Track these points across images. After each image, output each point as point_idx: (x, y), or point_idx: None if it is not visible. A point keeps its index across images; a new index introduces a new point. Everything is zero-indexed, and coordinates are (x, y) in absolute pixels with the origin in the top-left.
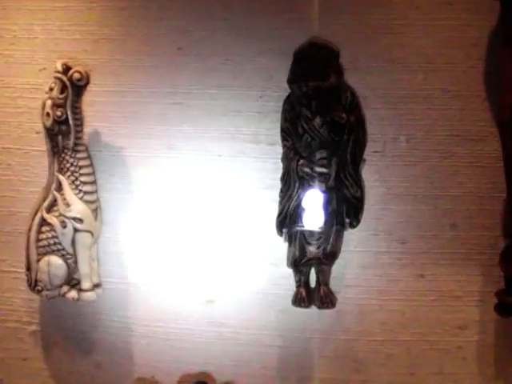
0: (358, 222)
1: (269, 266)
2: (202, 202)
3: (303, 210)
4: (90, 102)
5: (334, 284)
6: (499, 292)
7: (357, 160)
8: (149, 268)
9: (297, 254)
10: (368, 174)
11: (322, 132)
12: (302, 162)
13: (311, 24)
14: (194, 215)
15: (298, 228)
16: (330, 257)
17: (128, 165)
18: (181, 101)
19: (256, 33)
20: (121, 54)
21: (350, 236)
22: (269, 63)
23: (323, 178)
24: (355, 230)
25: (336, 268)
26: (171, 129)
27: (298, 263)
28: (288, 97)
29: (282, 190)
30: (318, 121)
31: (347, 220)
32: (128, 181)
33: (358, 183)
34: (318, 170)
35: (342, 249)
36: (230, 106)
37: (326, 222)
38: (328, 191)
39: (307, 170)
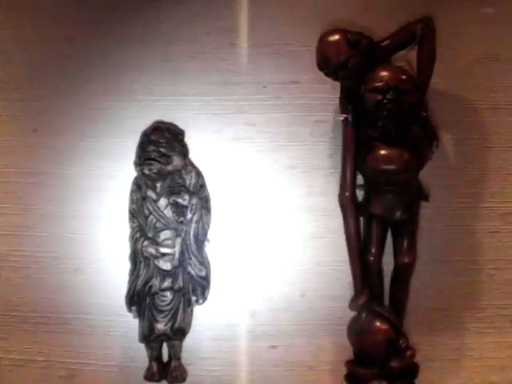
0: (205, 299)
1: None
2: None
3: (151, 287)
4: None
5: (188, 356)
6: (348, 362)
7: (200, 240)
8: None
9: (146, 330)
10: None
11: (166, 213)
12: (146, 242)
13: (157, 106)
14: None
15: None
16: (178, 333)
17: None
18: (37, 180)
19: (109, 114)
20: None
21: (203, 309)
22: (120, 143)
23: (167, 257)
24: (208, 303)
25: (190, 340)
26: (28, 207)
27: (148, 339)
28: (135, 178)
29: (130, 269)
30: (162, 203)
31: (193, 298)
32: None
33: (202, 262)
34: (162, 250)
35: (196, 322)
36: (84, 185)
37: (172, 300)
38: (173, 270)
39: (151, 250)
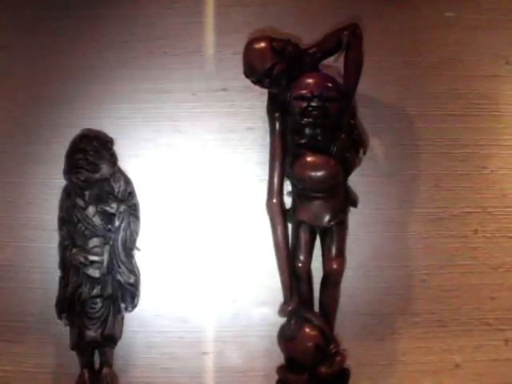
0: (134, 306)
1: None
2: None
3: (80, 295)
4: None
5: (121, 363)
6: (279, 368)
7: (128, 247)
8: None
9: (76, 337)
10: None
11: (94, 221)
12: (74, 250)
13: (87, 115)
14: None
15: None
16: (108, 340)
17: None
18: None
19: (38, 121)
20: None
21: (135, 316)
22: (50, 150)
23: (96, 265)
24: (141, 310)
25: (123, 347)
26: None
27: (78, 346)
28: (65, 186)
29: (60, 277)
30: (90, 210)
31: (123, 305)
32: None
33: (131, 269)
34: (91, 258)
35: (129, 329)
36: (14, 192)
37: (101, 307)
38: (102, 277)
39: (80, 258)
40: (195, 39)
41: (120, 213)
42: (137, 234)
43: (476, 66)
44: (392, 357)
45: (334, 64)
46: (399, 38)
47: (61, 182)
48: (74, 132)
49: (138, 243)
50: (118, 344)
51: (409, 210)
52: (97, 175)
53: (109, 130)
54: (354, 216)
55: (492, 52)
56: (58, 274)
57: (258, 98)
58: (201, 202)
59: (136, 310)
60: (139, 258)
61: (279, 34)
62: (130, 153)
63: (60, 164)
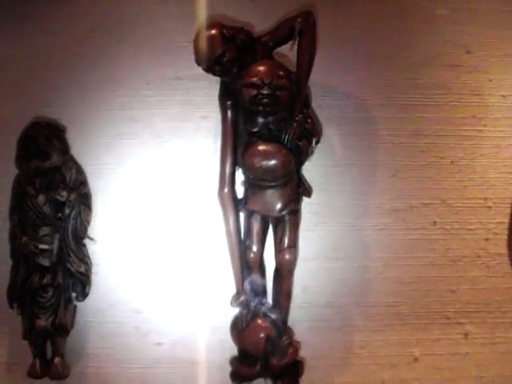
0: (85, 296)
1: None
2: None
3: (31, 284)
4: None
5: (75, 353)
6: (232, 360)
7: (79, 236)
8: None
9: (27, 326)
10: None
11: (45, 209)
12: (24, 239)
13: (39, 103)
14: None
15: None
16: (59, 329)
17: None
18: None
19: None
20: None
21: (86, 307)
22: (3, 139)
23: (46, 254)
24: (94, 299)
25: (75, 337)
26: None
27: (29, 335)
28: (17, 175)
29: (11, 266)
30: (41, 199)
31: (73, 294)
32: None
33: (82, 258)
34: (41, 246)
35: (81, 318)
36: None
37: (52, 296)
38: (52, 266)
39: (30, 246)
40: (149, 27)
41: (70, 201)
42: (88, 223)
43: (436, 55)
44: (349, 350)
45: (289, 53)
46: (355, 26)
47: (13, 170)
48: (25, 120)
49: (93, 233)
50: (72, 334)
51: (365, 200)
52: (47, 163)
53: (61, 118)
54: (308, 206)
55: (452, 41)
56: (10, 263)
57: (213, 86)
58: (155, 191)
59: (90, 299)
60: (93, 247)
61: (232, 21)
62: (83, 142)
63: (12, 152)
